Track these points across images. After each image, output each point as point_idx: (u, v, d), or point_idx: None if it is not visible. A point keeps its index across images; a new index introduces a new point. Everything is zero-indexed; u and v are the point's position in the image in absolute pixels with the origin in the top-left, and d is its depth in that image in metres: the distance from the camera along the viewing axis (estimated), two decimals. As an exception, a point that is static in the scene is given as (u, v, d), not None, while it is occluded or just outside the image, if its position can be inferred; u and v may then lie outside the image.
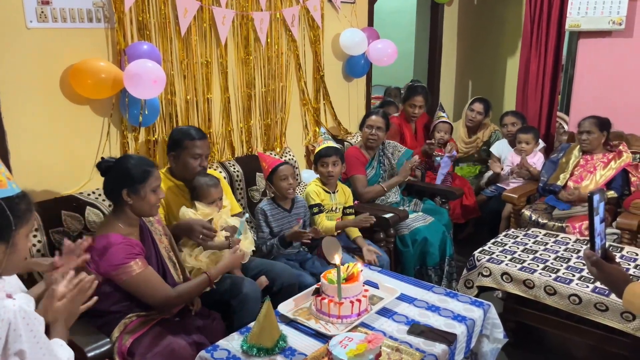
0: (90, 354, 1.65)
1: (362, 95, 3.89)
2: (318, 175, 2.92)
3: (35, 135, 2.22)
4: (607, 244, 2.60)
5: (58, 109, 2.28)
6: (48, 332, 1.39)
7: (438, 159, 3.73)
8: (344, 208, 2.92)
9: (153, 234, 2.05)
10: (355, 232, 2.89)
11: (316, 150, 2.89)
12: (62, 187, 2.33)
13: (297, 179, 2.62)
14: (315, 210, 2.77)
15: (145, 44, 2.42)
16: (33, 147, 2.22)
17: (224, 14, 2.76)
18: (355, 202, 3.11)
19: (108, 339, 1.72)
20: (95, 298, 1.54)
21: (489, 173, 3.91)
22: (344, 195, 2.92)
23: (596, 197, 1.31)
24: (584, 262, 2.49)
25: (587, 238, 2.89)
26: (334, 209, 2.86)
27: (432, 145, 3.67)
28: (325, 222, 2.77)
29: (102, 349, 1.69)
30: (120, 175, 1.88)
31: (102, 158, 1.95)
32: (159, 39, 2.54)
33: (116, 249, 1.81)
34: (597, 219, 1.32)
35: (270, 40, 3.08)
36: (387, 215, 2.93)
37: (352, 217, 2.93)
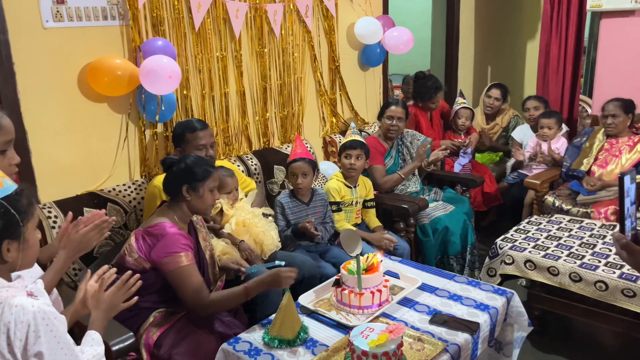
0: (114, 348, 1.67)
1: (379, 84, 3.85)
2: (338, 169, 2.91)
3: (55, 133, 2.26)
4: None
5: (77, 107, 2.31)
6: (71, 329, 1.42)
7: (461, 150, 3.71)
8: (365, 201, 2.90)
9: (198, 232, 2.08)
10: (375, 222, 2.87)
11: (342, 142, 2.87)
12: (83, 185, 2.36)
13: (308, 177, 2.60)
14: (334, 208, 2.76)
15: (160, 39, 2.43)
16: (53, 145, 2.26)
17: (237, 7, 2.76)
18: (374, 192, 3.09)
19: (131, 333, 1.74)
20: (136, 297, 1.57)
21: (512, 161, 3.83)
22: (365, 189, 2.91)
23: (627, 178, 1.26)
24: (610, 248, 2.46)
25: (613, 223, 2.84)
26: (354, 202, 2.84)
27: (458, 143, 3.65)
28: (345, 224, 2.76)
29: (126, 343, 1.70)
30: (183, 172, 1.94)
31: (167, 154, 2.00)
32: (173, 35, 2.55)
33: (172, 237, 1.85)
34: (627, 201, 1.27)
35: (284, 32, 3.07)
36: (407, 205, 2.90)
37: (373, 210, 2.92)
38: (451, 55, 4.57)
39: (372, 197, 2.94)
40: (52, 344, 1.22)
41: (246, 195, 2.55)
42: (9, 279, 1.29)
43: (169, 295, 1.93)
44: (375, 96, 3.84)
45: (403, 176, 3.16)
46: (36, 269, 1.55)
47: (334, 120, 3.51)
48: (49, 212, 2.15)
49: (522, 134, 3.88)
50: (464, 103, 3.84)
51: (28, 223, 1.28)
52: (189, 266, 1.85)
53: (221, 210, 2.35)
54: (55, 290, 1.64)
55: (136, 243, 1.88)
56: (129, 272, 1.58)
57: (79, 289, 1.55)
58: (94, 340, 1.43)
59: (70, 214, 1.74)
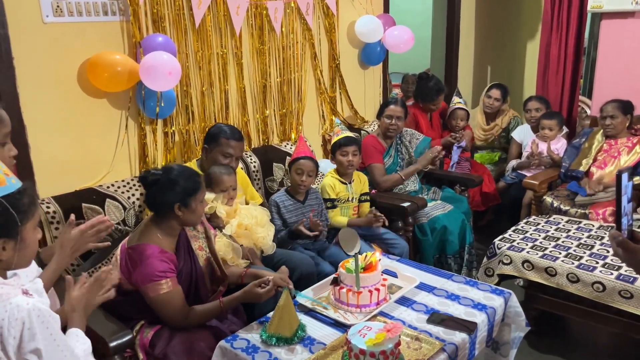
0: (112, 344, 1.67)
1: (379, 83, 3.85)
2: (335, 166, 2.90)
3: (54, 129, 2.25)
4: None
5: (76, 102, 2.30)
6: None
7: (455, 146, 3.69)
8: (360, 195, 2.90)
9: (191, 240, 2.04)
10: (366, 210, 2.89)
11: (334, 140, 2.86)
12: (82, 180, 2.36)
13: (312, 177, 2.61)
14: (329, 205, 2.76)
15: (160, 36, 2.42)
16: (52, 141, 2.25)
17: (238, 4, 2.75)
18: (373, 190, 3.09)
19: (129, 330, 1.75)
20: (113, 290, 1.56)
21: (513, 161, 3.83)
22: (360, 184, 2.91)
23: (624, 176, 1.27)
24: (607, 249, 2.46)
25: (611, 224, 2.84)
26: (350, 199, 2.84)
27: (454, 137, 3.63)
28: (338, 217, 2.77)
29: (124, 339, 1.70)
30: (172, 189, 1.84)
31: (148, 170, 1.90)
32: (173, 31, 2.54)
33: (152, 262, 1.80)
34: (624, 199, 1.28)
35: (285, 30, 3.06)
36: (406, 204, 2.90)
37: (367, 204, 2.93)
38: (451, 54, 4.57)
39: (367, 191, 2.95)
40: (49, 341, 1.22)
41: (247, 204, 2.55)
42: (4, 277, 1.28)
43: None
44: (375, 95, 3.84)
45: (404, 177, 3.16)
46: (34, 268, 1.55)
47: (334, 118, 3.51)
48: (48, 207, 2.14)
49: (523, 134, 3.88)
50: (460, 103, 3.82)
51: (27, 223, 1.27)
52: (169, 292, 1.82)
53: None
54: (53, 292, 1.64)
55: (119, 262, 1.87)
56: (103, 269, 1.56)
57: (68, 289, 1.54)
58: (78, 337, 1.43)
59: (72, 216, 1.73)
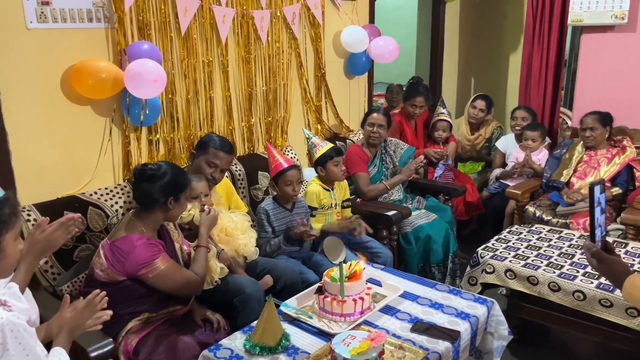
0: (93, 354, 1.65)
1: (364, 92, 3.88)
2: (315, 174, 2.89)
3: (36, 135, 2.22)
4: (612, 239, 2.57)
5: (59, 109, 2.28)
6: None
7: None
8: (342, 201, 2.91)
9: (170, 233, 2.12)
10: (348, 214, 2.90)
11: (321, 152, 2.77)
12: (64, 188, 2.33)
13: (301, 183, 2.61)
14: (312, 212, 2.76)
15: (146, 43, 2.41)
16: (34, 147, 2.22)
17: (224, 13, 2.76)
18: (358, 200, 3.10)
19: (111, 339, 1.72)
20: (105, 318, 1.52)
21: (497, 171, 3.88)
22: (341, 190, 2.91)
23: (597, 188, 1.30)
24: (587, 257, 2.50)
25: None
26: (333, 205, 2.84)
27: (440, 155, 3.67)
28: (314, 224, 2.76)
29: (105, 349, 1.68)
30: (170, 184, 1.95)
31: (144, 164, 2.00)
32: (159, 39, 2.54)
33: (140, 249, 1.87)
34: (597, 210, 1.31)
35: (271, 39, 3.07)
36: (390, 213, 2.92)
37: (348, 210, 2.94)
38: (435, 65, 4.63)
39: (349, 197, 2.96)
40: (21, 356, 1.21)
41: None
42: None
43: (145, 302, 1.94)
44: (360, 104, 3.86)
45: (389, 187, 3.17)
46: None
47: (319, 127, 3.52)
48: (28, 215, 2.11)
49: (506, 143, 3.94)
50: (443, 114, 3.86)
51: (7, 233, 1.25)
52: (167, 267, 1.90)
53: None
54: (29, 293, 1.61)
55: (105, 257, 1.88)
56: (96, 291, 1.53)
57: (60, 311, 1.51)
58: (61, 355, 1.41)
59: (46, 218, 1.70)
